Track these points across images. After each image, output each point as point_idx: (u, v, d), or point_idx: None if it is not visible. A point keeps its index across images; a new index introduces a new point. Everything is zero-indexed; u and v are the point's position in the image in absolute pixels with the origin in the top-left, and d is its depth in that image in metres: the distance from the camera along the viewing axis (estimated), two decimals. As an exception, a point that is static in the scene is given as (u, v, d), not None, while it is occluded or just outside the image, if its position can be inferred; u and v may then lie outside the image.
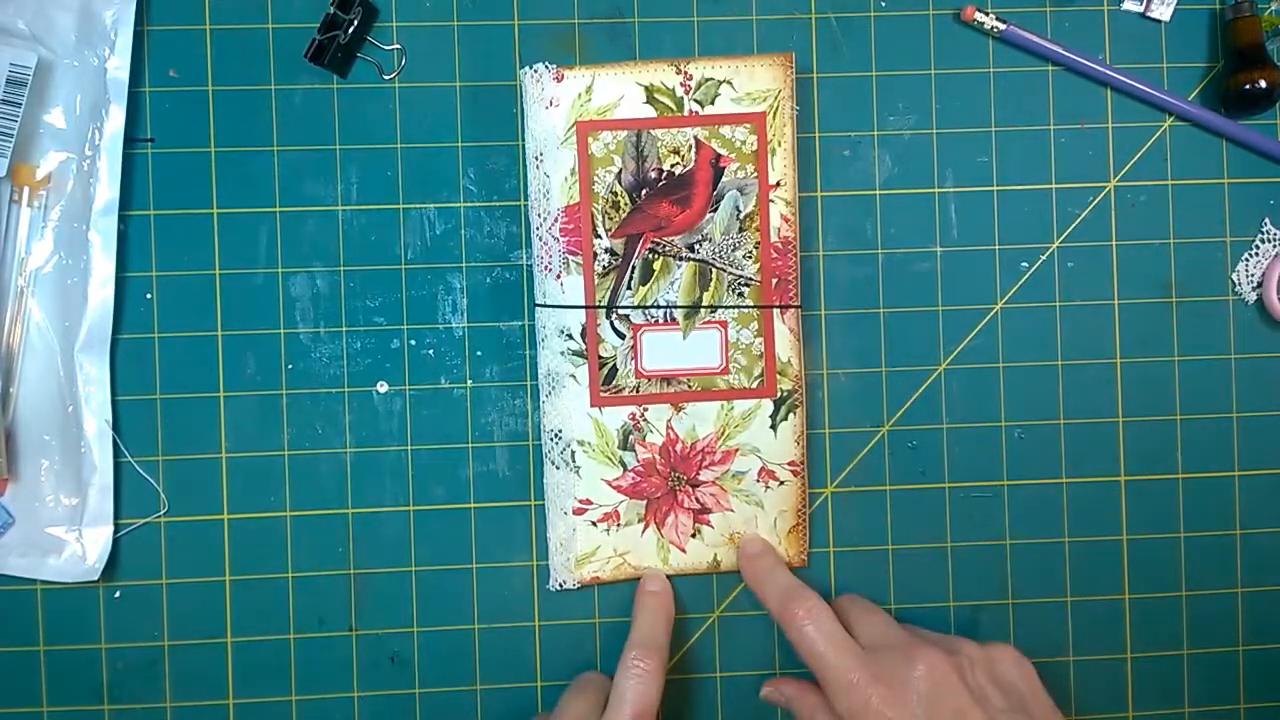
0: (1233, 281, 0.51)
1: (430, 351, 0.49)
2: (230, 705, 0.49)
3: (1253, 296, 0.51)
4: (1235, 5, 0.50)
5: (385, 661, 0.49)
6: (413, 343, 0.49)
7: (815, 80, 0.50)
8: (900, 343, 0.50)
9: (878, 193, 0.50)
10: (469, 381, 0.50)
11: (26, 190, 0.48)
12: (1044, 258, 0.51)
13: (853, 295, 0.50)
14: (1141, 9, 0.51)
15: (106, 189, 0.48)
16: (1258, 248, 0.51)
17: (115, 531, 0.48)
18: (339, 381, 0.49)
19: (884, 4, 0.50)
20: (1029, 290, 0.51)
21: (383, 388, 0.49)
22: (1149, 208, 0.51)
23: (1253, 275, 0.51)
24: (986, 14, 0.50)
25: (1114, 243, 0.51)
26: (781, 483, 0.49)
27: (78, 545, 0.48)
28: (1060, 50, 0.50)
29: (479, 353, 0.50)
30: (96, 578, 0.48)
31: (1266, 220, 0.51)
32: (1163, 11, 0.51)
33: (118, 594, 0.49)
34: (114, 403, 0.48)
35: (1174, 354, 0.51)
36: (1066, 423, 0.51)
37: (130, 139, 0.48)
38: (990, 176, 0.51)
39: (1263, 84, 0.49)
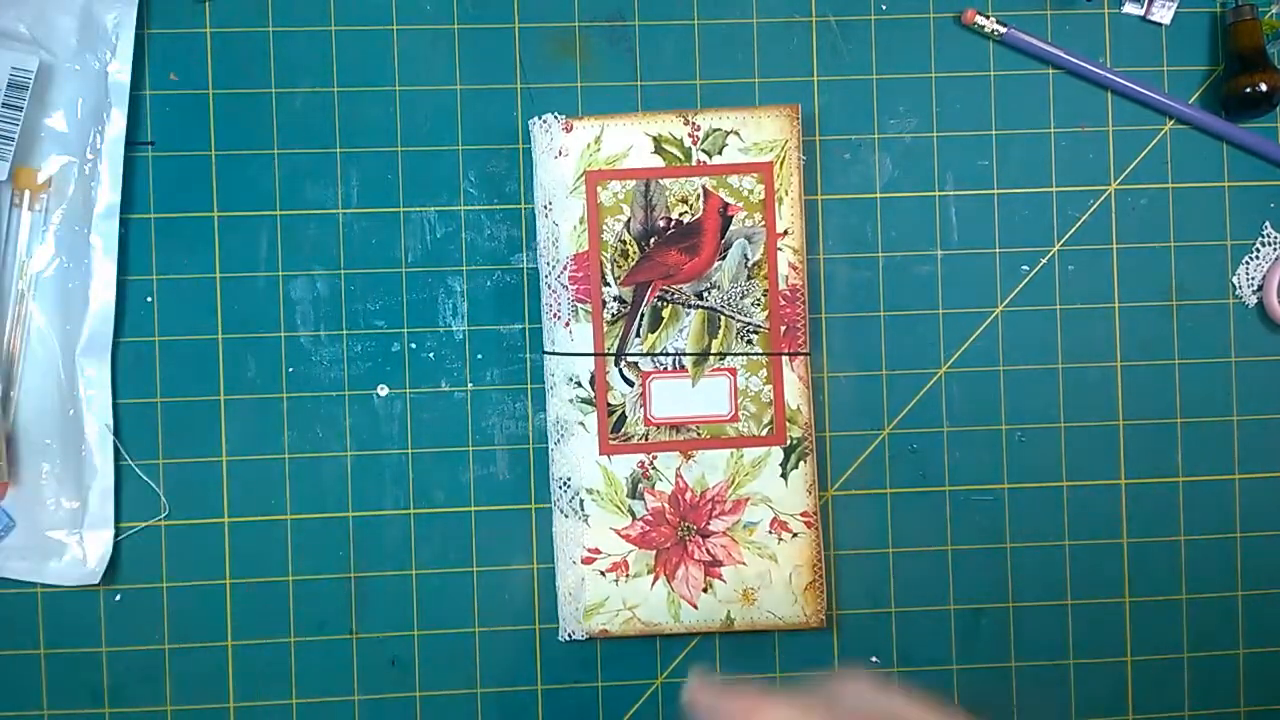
0: (1233, 284, 0.51)
1: (431, 355, 0.49)
2: (231, 709, 0.49)
3: (1253, 299, 0.51)
4: (1236, 9, 0.50)
5: (385, 665, 0.49)
6: (413, 346, 0.49)
7: (816, 83, 0.50)
8: (901, 346, 0.50)
9: (878, 196, 0.50)
10: (469, 385, 0.50)
11: (28, 194, 0.48)
12: (1044, 261, 0.51)
13: (853, 298, 0.50)
14: (1142, 12, 0.51)
15: (108, 192, 0.48)
16: (1258, 251, 0.51)
17: (116, 535, 0.48)
18: (339, 385, 0.49)
19: (885, 7, 0.50)
20: (1030, 293, 0.51)
21: (383, 391, 0.49)
22: (1149, 211, 0.51)
23: (1253, 278, 0.51)
24: (987, 17, 0.50)
25: (1114, 246, 0.51)
26: (795, 535, 0.49)
27: (78, 548, 0.48)
28: (1061, 53, 0.50)
29: (479, 356, 0.50)
30: (97, 581, 0.48)
31: (1267, 224, 0.51)
32: (1163, 15, 0.51)
33: (118, 597, 0.49)
34: (115, 406, 0.48)
35: (1174, 357, 0.51)
36: (1067, 426, 0.51)
37: (131, 142, 0.48)
38: (991, 179, 0.51)
39: (1263, 87, 0.49)
